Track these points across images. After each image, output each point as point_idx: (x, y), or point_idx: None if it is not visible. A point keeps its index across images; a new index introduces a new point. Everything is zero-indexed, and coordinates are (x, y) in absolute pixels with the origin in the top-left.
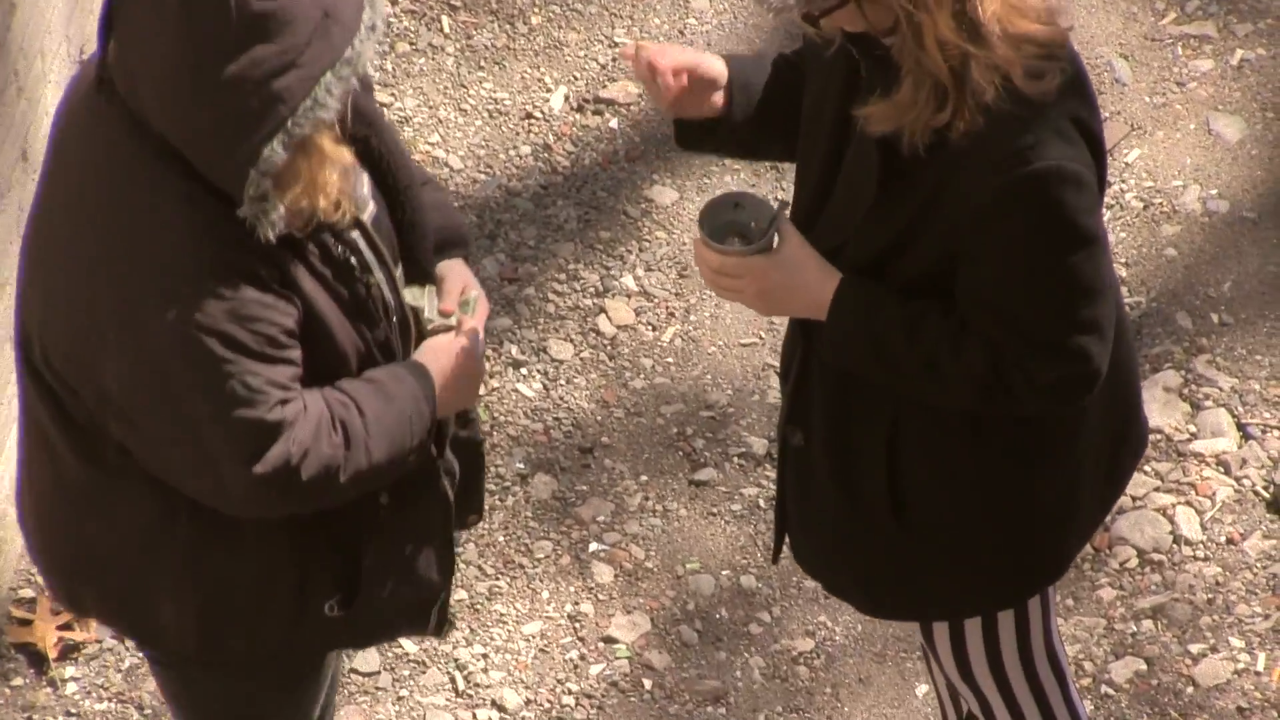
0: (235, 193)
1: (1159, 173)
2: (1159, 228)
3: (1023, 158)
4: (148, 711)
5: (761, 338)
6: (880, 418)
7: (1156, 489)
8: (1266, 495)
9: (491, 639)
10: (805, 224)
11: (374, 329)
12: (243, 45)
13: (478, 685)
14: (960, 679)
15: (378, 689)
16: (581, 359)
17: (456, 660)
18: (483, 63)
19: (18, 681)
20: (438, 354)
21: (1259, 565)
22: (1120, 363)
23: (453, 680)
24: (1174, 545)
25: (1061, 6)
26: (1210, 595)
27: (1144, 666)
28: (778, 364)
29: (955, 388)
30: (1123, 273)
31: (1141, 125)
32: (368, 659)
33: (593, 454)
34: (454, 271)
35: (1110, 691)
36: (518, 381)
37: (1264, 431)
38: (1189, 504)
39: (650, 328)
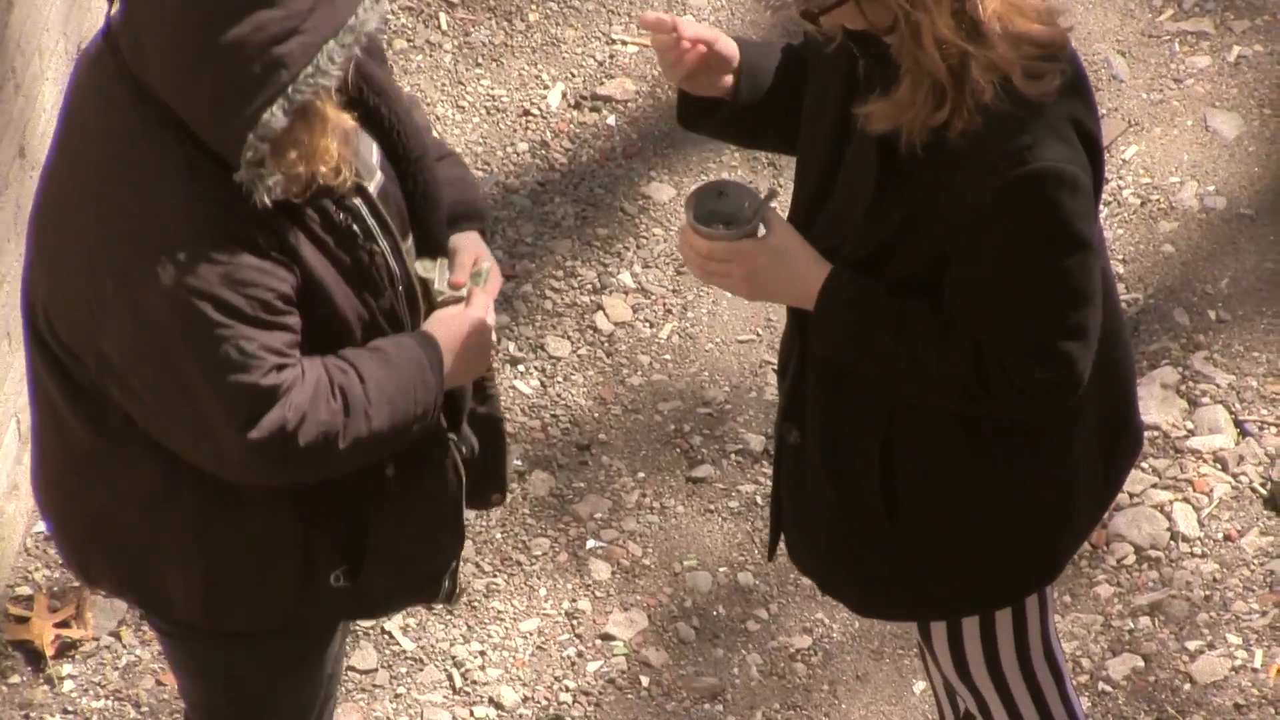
0: (233, 157)
1: (1156, 169)
2: (1156, 224)
3: (1020, 158)
4: (144, 709)
5: (759, 334)
6: (875, 417)
7: (1154, 486)
8: (1264, 492)
9: (489, 636)
10: (804, 223)
11: (378, 297)
12: (246, 9)
13: (475, 683)
14: (957, 678)
15: (375, 686)
16: (579, 356)
17: (454, 658)
18: (480, 60)
19: (15, 679)
20: (446, 324)
21: (1256, 562)
22: (1116, 363)
23: (450, 678)
24: (1171, 542)
25: (1061, 7)
26: (1207, 592)
27: (1141, 663)
28: (775, 361)
29: (937, 385)
30: (1120, 269)
31: (1139, 122)
32: (365, 656)
33: (590, 451)
34: (467, 243)
35: (1108, 688)
36: (515, 378)
37: (1261, 428)
38: (1186, 501)
39: (648, 324)
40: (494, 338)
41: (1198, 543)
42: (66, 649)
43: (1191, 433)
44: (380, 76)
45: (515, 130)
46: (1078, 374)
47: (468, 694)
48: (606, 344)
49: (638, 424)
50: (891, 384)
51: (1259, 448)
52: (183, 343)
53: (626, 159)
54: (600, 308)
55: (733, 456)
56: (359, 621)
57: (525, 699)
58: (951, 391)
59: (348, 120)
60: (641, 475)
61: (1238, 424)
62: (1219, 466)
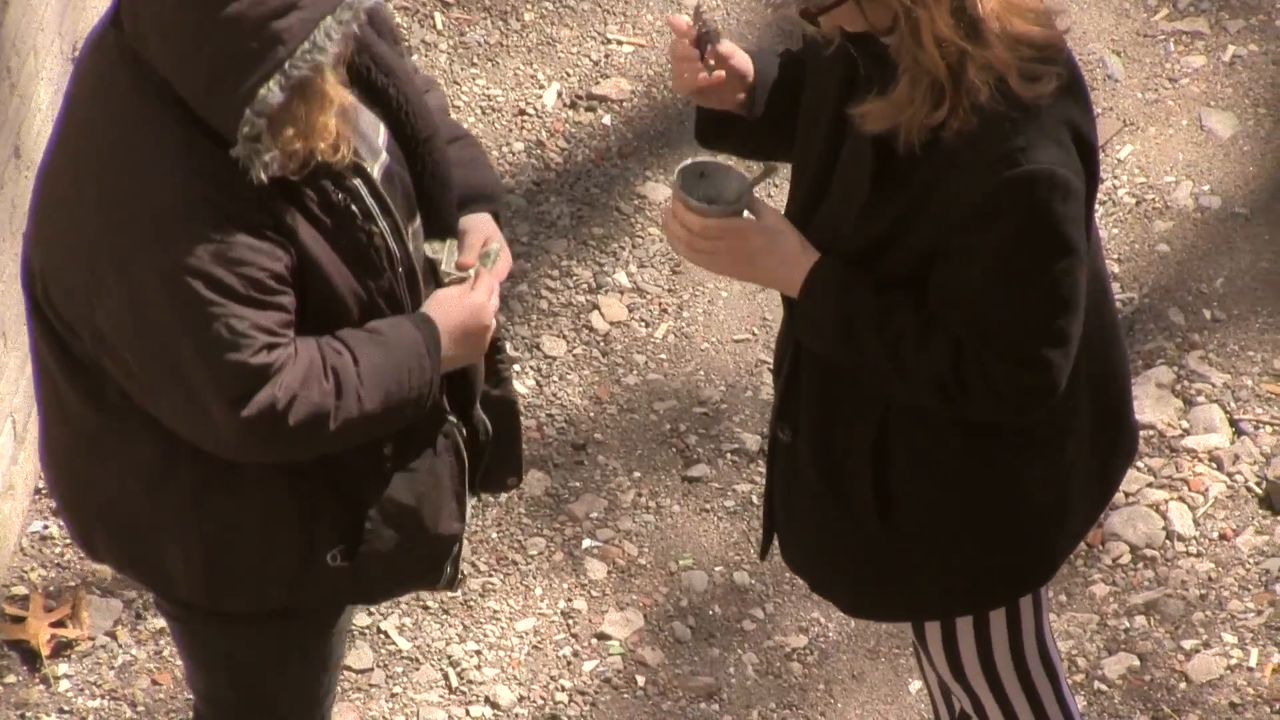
0: (229, 132)
1: (1151, 169)
2: (1151, 224)
3: (1013, 160)
4: (140, 708)
5: (754, 334)
6: (868, 418)
7: (1149, 485)
8: (1259, 491)
9: (485, 635)
10: (801, 222)
11: (376, 279)
12: None
13: (471, 682)
14: (952, 678)
15: (371, 686)
16: (574, 355)
17: (449, 657)
18: (476, 59)
19: (10, 679)
20: (445, 305)
21: (1251, 561)
22: (1111, 364)
23: (446, 677)
24: (1167, 541)
25: (1058, 8)
26: (1203, 591)
27: (1137, 662)
28: (770, 360)
29: (915, 381)
30: (1115, 268)
31: (1134, 121)
32: (361, 656)
33: (586, 450)
34: (478, 224)
35: (1103, 687)
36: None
37: (1256, 427)
38: (1182, 500)
39: (643, 324)
40: (496, 320)
41: (1193, 542)
42: (62, 649)
43: (1187, 432)
44: (390, 57)
45: (511, 130)
46: (1055, 379)
47: (463, 693)
48: (602, 343)
49: (633, 423)
50: (872, 376)
51: (1254, 447)
52: (174, 319)
53: (622, 158)
54: (596, 307)
55: (728, 456)
56: (360, 608)
57: (521, 698)
58: (928, 388)
59: (347, 96)
60: (637, 475)
61: (1233, 423)
62: (1214, 466)
